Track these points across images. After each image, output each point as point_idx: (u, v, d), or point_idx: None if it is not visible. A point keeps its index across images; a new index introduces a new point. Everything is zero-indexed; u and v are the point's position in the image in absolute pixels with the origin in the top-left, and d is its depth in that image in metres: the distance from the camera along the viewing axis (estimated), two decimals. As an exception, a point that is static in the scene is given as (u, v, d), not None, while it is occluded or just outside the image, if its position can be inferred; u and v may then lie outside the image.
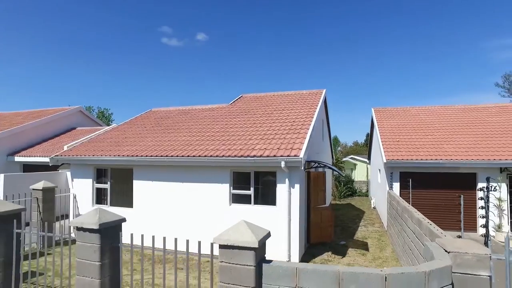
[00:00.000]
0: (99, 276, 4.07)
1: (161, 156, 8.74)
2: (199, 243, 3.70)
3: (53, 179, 12.08)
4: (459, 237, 8.45)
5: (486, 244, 9.23)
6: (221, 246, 3.37)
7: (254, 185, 8.53)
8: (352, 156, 35.89)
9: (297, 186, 8.04)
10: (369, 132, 21.49)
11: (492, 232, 10.65)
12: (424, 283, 3.04)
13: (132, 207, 9.51)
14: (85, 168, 10.30)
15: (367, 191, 26.06)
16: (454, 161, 10.93)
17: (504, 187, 11.01)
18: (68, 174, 13.04)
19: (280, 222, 8.01)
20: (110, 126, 16.11)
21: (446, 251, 3.45)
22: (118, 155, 9.31)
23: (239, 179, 8.68)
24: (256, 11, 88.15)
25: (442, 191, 11.49)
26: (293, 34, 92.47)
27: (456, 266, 3.30)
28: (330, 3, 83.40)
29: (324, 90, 14.03)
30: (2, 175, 11.28)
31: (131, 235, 4.14)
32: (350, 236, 11.62)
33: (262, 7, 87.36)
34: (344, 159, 34.58)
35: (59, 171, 13.21)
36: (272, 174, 8.36)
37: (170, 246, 5.76)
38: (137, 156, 9.05)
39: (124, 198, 9.79)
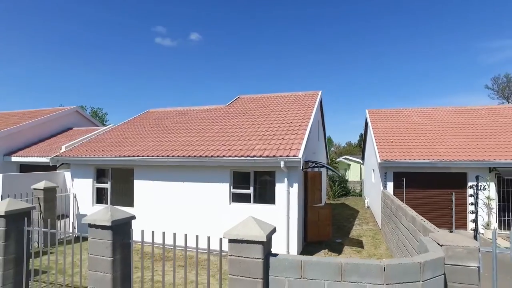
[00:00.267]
0: (111, 271, 4.24)
1: (163, 156, 8.91)
2: (209, 238, 3.91)
3: (51, 179, 12.10)
4: (451, 232, 8.81)
5: (475, 238, 9.62)
6: (231, 241, 3.58)
7: (254, 184, 8.76)
8: (346, 156, 36.40)
9: (295, 185, 8.30)
10: (363, 133, 21.88)
11: (481, 230, 11.06)
12: (419, 272, 3.30)
13: (132, 206, 9.65)
14: (85, 168, 10.41)
15: (361, 191, 26.49)
16: (446, 161, 11.32)
17: (492, 186, 11.44)
18: (66, 174, 13.10)
19: (279, 220, 8.24)
20: (108, 127, 16.18)
21: (439, 244, 3.72)
22: (119, 155, 9.46)
23: (239, 179, 8.91)
24: (251, 11, 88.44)
25: (435, 191, 11.87)
26: (286, 33, 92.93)
27: (448, 258, 3.57)
28: (323, 3, 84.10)
29: (320, 92, 14.33)
30: (1, 175, 11.30)
31: (142, 231, 4.34)
32: (345, 234, 11.92)
33: (258, 7, 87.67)
34: (338, 159, 35.06)
35: (57, 171, 13.25)
36: (271, 173, 8.60)
37: (178, 243, 5.93)
38: (138, 156, 9.21)
39: (125, 197, 9.93)
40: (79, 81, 74.90)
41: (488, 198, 11.34)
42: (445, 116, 15.56)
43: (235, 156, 8.25)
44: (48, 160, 13.52)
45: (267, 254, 3.61)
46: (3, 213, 4.79)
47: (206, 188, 8.96)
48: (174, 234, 4.16)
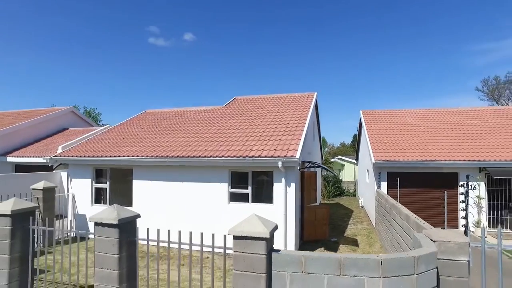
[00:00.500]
0: (117, 268, 4.37)
1: (162, 156, 9.03)
2: (213, 235, 4.08)
3: (47, 179, 12.11)
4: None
5: (466, 234, 9.94)
6: (235, 237, 3.75)
7: (252, 184, 8.93)
8: (339, 157, 36.79)
9: (293, 185, 8.49)
10: (357, 134, 22.21)
11: (472, 228, 11.40)
12: (413, 266, 3.51)
13: (131, 206, 9.74)
14: (84, 168, 10.47)
15: (355, 191, 26.84)
16: (438, 161, 11.63)
17: (482, 185, 11.79)
18: (63, 174, 13.12)
19: (276, 219, 8.40)
20: (105, 127, 16.21)
21: (432, 240, 3.94)
22: (119, 156, 9.55)
23: (237, 179, 9.07)
24: (247, 11, 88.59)
25: (427, 190, 12.18)
26: (280, 33, 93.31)
27: (440, 253, 3.78)
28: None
29: (315, 93, 14.56)
30: (-2, 175, 11.29)
31: (147, 229, 4.48)
32: (340, 233, 12.15)
33: (253, 7, 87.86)
34: (332, 159, 35.42)
35: (54, 171, 13.26)
36: (269, 173, 8.78)
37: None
38: (137, 156, 9.31)
39: (123, 197, 10.02)
40: (71, 80, 74.26)
41: (478, 197, 11.69)
42: (437, 117, 15.92)
43: (234, 156, 8.42)
44: (44, 160, 13.52)
45: (270, 250, 3.78)
46: (9, 212, 4.88)
47: (205, 188, 9.10)
48: (180, 232, 4.31)
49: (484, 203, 11.74)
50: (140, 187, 9.75)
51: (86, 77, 76.12)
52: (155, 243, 4.39)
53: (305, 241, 10.32)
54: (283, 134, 9.69)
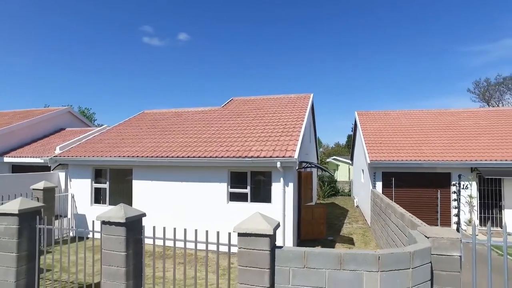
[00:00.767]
0: (124, 265, 4.52)
1: (162, 157, 9.17)
2: (218, 233, 4.25)
3: (45, 179, 12.14)
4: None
5: (458, 231, 10.26)
6: (240, 234, 3.92)
7: (251, 184, 9.10)
8: (334, 157, 37.14)
9: (291, 184, 8.69)
10: (352, 134, 22.52)
11: (464, 226, 11.72)
12: (409, 261, 3.72)
13: (131, 205, 9.84)
14: (83, 169, 10.55)
15: (350, 191, 27.17)
16: (431, 161, 11.94)
17: (474, 185, 12.12)
18: (61, 174, 13.15)
19: (275, 218, 8.59)
20: (102, 127, 16.27)
21: (426, 236, 4.15)
22: (119, 156, 9.66)
23: (236, 179, 9.23)
24: (242, 11, 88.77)
25: (421, 190, 12.48)
26: (274, 33, 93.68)
27: (434, 249, 4.00)
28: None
29: (312, 95, 14.80)
30: (-4, 175, 11.30)
31: (153, 227, 4.63)
32: (336, 232, 12.39)
33: (248, 7, 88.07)
34: (328, 160, 35.76)
35: (52, 171, 13.28)
36: (267, 173, 8.97)
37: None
38: (137, 157, 9.43)
39: (123, 197, 10.12)
40: (64, 80, 73.69)
41: (470, 196, 12.01)
42: (430, 118, 16.27)
43: (234, 156, 8.59)
44: (42, 161, 13.55)
45: (273, 246, 3.96)
46: (16, 212, 4.99)
47: (205, 188, 9.26)
48: (185, 230, 4.47)
49: (475, 202, 12.07)
50: (140, 187, 9.87)
51: (79, 77, 75.61)
52: (161, 241, 4.54)
53: (303, 240, 10.53)
54: (281, 135, 9.88)
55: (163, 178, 9.62)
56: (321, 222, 10.69)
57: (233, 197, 9.21)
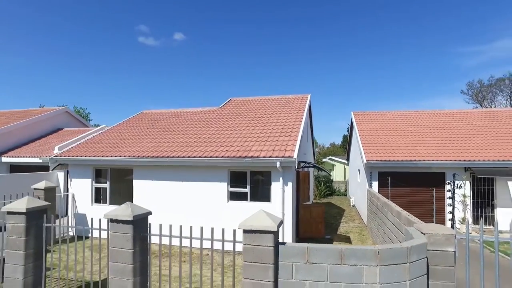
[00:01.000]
0: (132, 262, 4.65)
1: (163, 157, 9.29)
2: (223, 230, 4.40)
3: (44, 179, 12.18)
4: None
5: (452, 227, 10.53)
6: (245, 231, 4.08)
7: (250, 183, 9.27)
8: (330, 157, 37.43)
9: (290, 184, 8.86)
10: (348, 135, 22.79)
11: (458, 225, 12.00)
12: (406, 256, 3.91)
13: (132, 205, 9.95)
14: (84, 168, 10.63)
15: (345, 190, 27.46)
16: (426, 161, 12.20)
17: (468, 184, 12.41)
18: (59, 174, 13.19)
19: (274, 217, 8.78)
20: (100, 127, 16.32)
21: (422, 233, 4.35)
22: (120, 156, 9.76)
23: (236, 178, 9.39)
24: (236, 11, 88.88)
25: (416, 189, 12.74)
26: (268, 33, 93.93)
27: (430, 244, 4.19)
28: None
29: (309, 95, 15.01)
30: (-4, 175, 11.31)
31: (160, 225, 4.77)
32: (333, 231, 12.60)
33: (242, 8, 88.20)
34: (323, 160, 36.06)
35: (50, 171, 13.30)
36: (266, 173, 9.13)
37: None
38: (138, 157, 9.54)
39: (123, 196, 10.22)
40: (58, 79, 73.21)
41: (464, 195, 12.30)
42: (425, 119, 16.57)
43: (234, 156, 8.74)
44: (40, 160, 13.61)
45: (277, 242, 4.13)
46: (24, 210, 5.10)
47: (205, 187, 9.40)
48: (191, 228, 4.62)
49: (469, 201, 12.36)
50: (140, 187, 9.98)
51: (74, 76, 75.17)
52: (164, 239, 4.68)
53: (301, 239, 10.72)
54: (280, 135, 10.06)
55: (164, 177, 9.74)
56: (319, 221, 10.88)
57: (233, 196, 9.36)
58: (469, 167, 12.27)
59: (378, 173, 12.97)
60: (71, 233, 10.03)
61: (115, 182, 10.52)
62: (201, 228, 4.55)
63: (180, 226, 4.68)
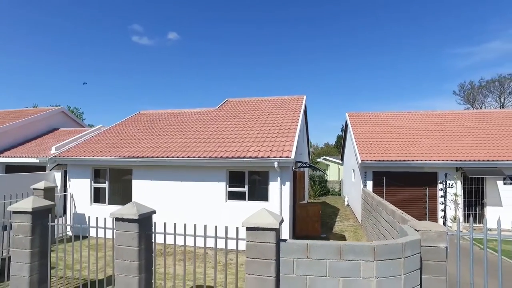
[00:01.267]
0: (137, 259, 4.80)
1: (163, 157, 9.42)
2: (226, 228, 4.57)
3: (41, 180, 12.19)
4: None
5: (444, 224, 10.86)
6: (248, 229, 4.25)
7: (248, 183, 9.44)
8: (324, 157, 37.80)
9: (287, 183, 9.06)
10: (343, 135, 23.09)
11: (449, 223, 12.35)
12: (401, 251, 4.13)
13: (131, 205, 10.06)
14: (83, 168, 10.69)
15: (340, 190, 27.80)
16: (419, 161, 12.52)
17: (459, 184, 12.76)
18: (57, 174, 13.20)
19: (272, 216, 8.96)
20: (97, 127, 16.35)
21: (416, 230, 4.58)
22: (119, 156, 9.85)
23: (235, 178, 9.56)
24: (236, 10, 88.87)
25: (410, 188, 13.05)
26: (261, 33, 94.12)
27: (423, 241, 4.42)
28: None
29: (305, 96, 15.23)
30: (-6, 175, 11.29)
31: (165, 223, 4.93)
32: (329, 230, 12.85)
33: (237, 8, 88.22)
34: (318, 160, 36.40)
35: (47, 172, 13.30)
36: (264, 173, 9.32)
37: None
38: (138, 157, 9.65)
39: (122, 196, 10.32)
40: (50, 79, 72.41)
41: (455, 194, 12.65)
42: (418, 120, 16.93)
43: (232, 157, 8.91)
44: (37, 161, 13.62)
45: (278, 239, 4.32)
46: (30, 210, 5.21)
47: (204, 187, 9.55)
48: (195, 225, 4.79)
49: (460, 200, 12.71)
50: (140, 187, 10.08)
51: (67, 76, 74.42)
52: (170, 237, 4.83)
53: (297, 237, 10.92)
54: (277, 136, 10.25)
55: (163, 177, 9.86)
56: (315, 220, 11.11)
57: (231, 195, 9.53)
58: (460, 167, 12.62)
59: (372, 173, 13.25)
60: (69, 233, 10.08)
61: (114, 182, 10.61)
62: (205, 226, 4.72)
63: (185, 224, 4.84)
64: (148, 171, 10.02)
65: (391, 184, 13.04)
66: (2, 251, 6.62)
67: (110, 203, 10.36)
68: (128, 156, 9.78)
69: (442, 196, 11.54)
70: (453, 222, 12.33)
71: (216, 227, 4.68)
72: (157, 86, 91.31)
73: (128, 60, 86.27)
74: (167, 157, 9.38)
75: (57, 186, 9.90)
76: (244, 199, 9.42)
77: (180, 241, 5.39)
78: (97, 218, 5.32)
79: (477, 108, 39.06)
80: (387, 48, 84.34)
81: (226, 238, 4.57)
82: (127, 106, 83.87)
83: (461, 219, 12.51)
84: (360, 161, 12.93)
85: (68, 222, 10.53)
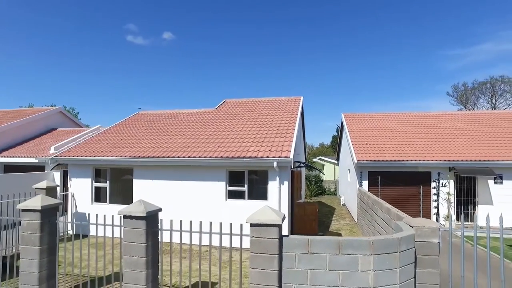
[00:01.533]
0: (144, 255, 4.99)
1: (164, 157, 9.59)
2: (230, 224, 4.79)
3: (40, 179, 12.26)
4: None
5: (437, 220, 11.19)
6: (252, 225, 4.47)
7: (248, 182, 9.66)
8: (320, 157, 38.17)
9: (286, 183, 9.30)
10: (339, 135, 23.41)
11: (442, 221, 12.69)
12: (397, 245, 4.38)
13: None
14: (84, 168, 10.82)
15: (335, 190, 28.13)
16: (413, 161, 12.85)
17: (452, 183, 13.12)
18: (56, 174, 13.29)
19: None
20: (95, 127, 16.44)
21: (410, 226, 4.84)
22: (120, 156, 10.01)
23: (234, 177, 9.77)
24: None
25: (404, 187, 13.39)
26: (256, 33, 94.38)
27: (417, 236, 4.68)
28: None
29: (302, 97, 15.49)
30: (-6, 175, 11.36)
31: (171, 221, 5.13)
32: (326, 228, 13.12)
33: (233, 8, 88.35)
34: (314, 160, 36.72)
35: (47, 171, 13.37)
36: (263, 172, 9.54)
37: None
38: (139, 157, 9.81)
39: (123, 196, 10.48)
40: (45, 79, 71.88)
41: (448, 193, 13.01)
42: (412, 121, 17.29)
43: (232, 157, 9.12)
44: (36, 160, 13.69)
45: (281, 235, 4.55)
46: (39, 208, 5.37)
47: (204, 186, 9.75)
48: (200, 222, 4.99)
49: (453, 198, 13.07)
50: (140, 186, 10.25)
51: (61, 75, 73.94)
52: (176, 234, 5.02)
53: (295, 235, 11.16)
54: (276, 136, 10.48)
55: (164, 177, 10.04)
56: (312, 219, 11.36)
57: (231, 195, 9.74)
58: (453, 167, 12.97)
59: (368, 173, 13.56)
60: (70, 232, 10.20)
61: (115, 182, 10.75)
62: (210, 223, 4.93)
63: (190, 222, 5.05)
64: (149, 171, 10.18)
65: (386, 183, 13.36)
66: (5, 249, 6.76)
67: (111, 202, 10.51)
68: (130, 156, 9.94)
69: (435, 195, 11.88)
70: (446, 220, 12.67)
71: (220, 223, 4.89)
72: (154, 86, 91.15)
73: (124, 60, 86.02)
74: (168, 157, 9.56)
75: (58, 186, 10.01)
76: (243, 198, 9.63)
77: (185, 239, 5.57)
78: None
79: (469, 109, 39.74)
80: (387, 48, 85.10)
81: (231, 234, 4.78)
82: (123, 106, 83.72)
83: (454, 217, 12.86)
84: (356, 161, 13.22)
85: (69, 221, 10.65)
